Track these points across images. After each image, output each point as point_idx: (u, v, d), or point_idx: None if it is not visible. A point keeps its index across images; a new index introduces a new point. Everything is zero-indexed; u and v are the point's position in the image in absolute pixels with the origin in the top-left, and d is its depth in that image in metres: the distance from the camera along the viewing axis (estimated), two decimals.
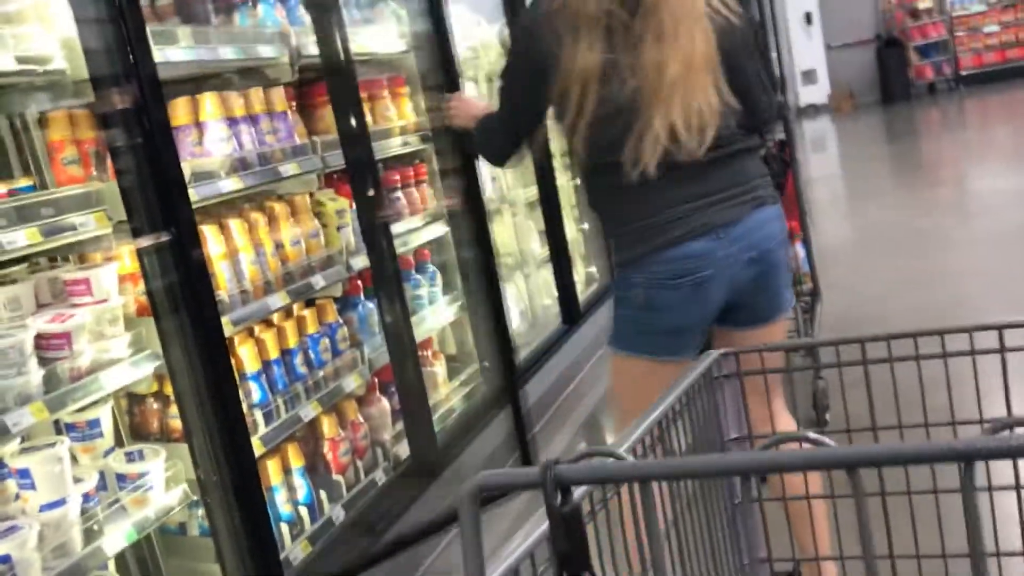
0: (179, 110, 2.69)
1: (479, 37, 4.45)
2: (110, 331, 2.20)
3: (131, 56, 2.11)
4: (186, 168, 2.59)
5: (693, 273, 2.07)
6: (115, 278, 2.24)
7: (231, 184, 2.61)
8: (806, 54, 16.71)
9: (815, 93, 16.92)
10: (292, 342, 2.85)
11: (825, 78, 16.97)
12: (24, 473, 1.99)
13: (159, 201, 2.16)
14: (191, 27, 2.59)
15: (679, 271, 2.07)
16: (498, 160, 2.53)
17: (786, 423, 2.23)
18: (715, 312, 2.16)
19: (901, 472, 1.26)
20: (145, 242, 2.17)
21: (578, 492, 0.81)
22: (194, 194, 2.41)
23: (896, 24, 16.61)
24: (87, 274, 2.17)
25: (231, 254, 2.67)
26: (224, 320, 2.42)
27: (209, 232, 2.61)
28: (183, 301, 2.22)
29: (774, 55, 13.17)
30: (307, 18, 3.06)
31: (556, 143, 4.98)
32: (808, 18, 16.78)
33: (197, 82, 2.81)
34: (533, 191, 4.63)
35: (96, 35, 2.11)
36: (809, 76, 16.91)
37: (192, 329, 2.22)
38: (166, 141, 2.19)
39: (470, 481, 0.81)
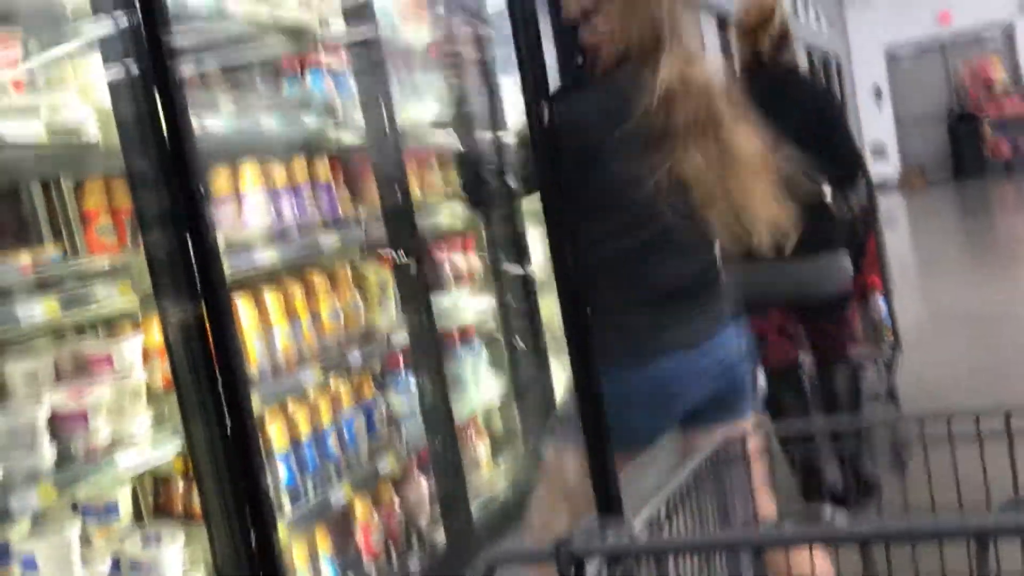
0: (219, 180, 2.64)
1: None
2: (131, 408, 2.12)
3: (164, 127, 2.05)
4: (222, 239, 2.54)
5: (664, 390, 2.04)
6: (139, 352, 2.16)
7: (268, 256, 2.54)
8: (875, 128, 16.45)
9: (885, 168, 16.63)
10: (325, 420, 2.74)
11: (895, 153, 16.67)
12: (29, 561, 1.89)
13: (186, 273, 2.08)
14: (234, 96, 2.55)
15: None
16: None
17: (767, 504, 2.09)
18: (675, 423, 2.13)
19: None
20: (172, 316, 2.09)
21: (592, 567, 0.84)
22: (228, 265, 2.34)
23: (970, 98, 16.26)
24: (109, 348, 2.09)
25: (264, 327, 2.58)
26: (253, 396, 2.32)
27: (242, 304, 2.53)
28: (207, 378, 2.12)
29: None
30: (355, 88, 3.02)
31: None
32: (878, 91, 16.57)
33: (240, 150, 2.76)
34: None
35: (129, 104, 2.06)
36: (879, 150, 16.63)
37: (215, 407, 2.11)
38: (197, 212, 2.11)
39: (484, 555, 0.84)
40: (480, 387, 3.52)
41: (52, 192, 2.33)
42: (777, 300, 3.23)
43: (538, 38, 1.73)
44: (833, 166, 3.07)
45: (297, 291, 2.75)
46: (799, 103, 3.16)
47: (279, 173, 2.74)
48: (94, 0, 2.03)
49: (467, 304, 3.48)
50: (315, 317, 2.75)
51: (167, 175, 2.06)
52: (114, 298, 2.05)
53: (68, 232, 2.34)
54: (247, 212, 2.65)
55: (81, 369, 2.15)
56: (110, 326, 2.34)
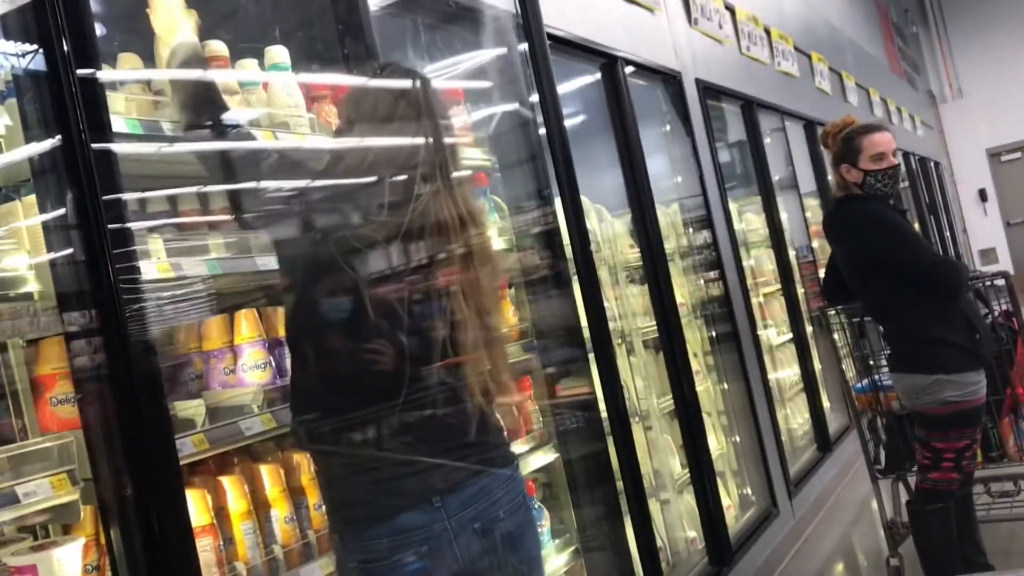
0: (212, 331, 2.24)
1: (601, 229, 3.93)
2: None
3: (104, 275, 1.65)
4: (212, 398, 2.12)
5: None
6: (77, 560, 1.70)
7: (263, 421, 2.08)
8: (983, 233, 15.54)
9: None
10: None
11: (1007, 257, 15.65)
12: None
13: (128, 457, 1.64)
14: (224, 235, 2.16)
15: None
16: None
17: None
18: None
19: None
20: (110, 514, 1.64)
21: None
22: (206, 439, 1.91)
23: None
24: (34, 559, 1.64)
25: (259, 509, 2.11)
26: None
27: (229, 483, 2.07)
28: None
29: (948, 234, 12.20)
30: None
31: (694, 335, 4.38)
32: (983, 195, 15.72)
33: (235, 296, 2.36)
34: (669, 400, 3.95)
35: (64, 249, 1.68)
36: (988, 256, 15.64)
37: None
38: (142, 377, 1.69)
39: None
40: (543, 556, 2.96)
41: None
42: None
43: None
44: (908, 284, 3.09)
45: (303, 462, 2.28)
46: (847, 231, 3.28)
47: (281, 320, 2.31)
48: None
49: (525, 459, 2.96)
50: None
51: (106, 328, 1.64)
52: (40, 494, 1.61)
53: (16, 405, 1.94)
54: (243, 368, 2.22)
55: None
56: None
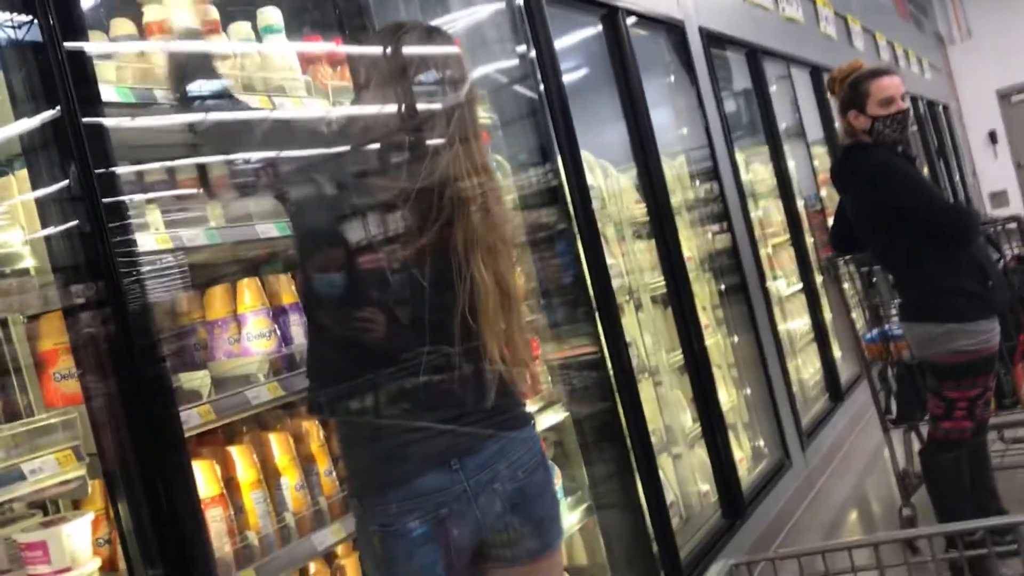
0: (215, 301, 2.22)
1: (606, 185, 3.89)
2: None
3: (100, 248, 1.63)
4: (218, 369, 2.11)
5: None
6: (86, 535, 1.70)
7: (271, 390, 2.07)
8: (993, 175, 15.39)
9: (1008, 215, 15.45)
10: None
11: (1017, 198, 15.52)
12: None
13: (132, 431, 1.63)
14: (223, 202, 2.13)
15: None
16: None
17: None
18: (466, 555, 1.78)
19: None
20: (116, 486, 1.64)
21: None
22: (212, 410, 1.90)
23: None
24: (43, 535, 1.64)
25: (269, 478, 2.11)
26: None
27: (238, 453, 2.06)
28: (172, 561, 1.65)
29: (958, 178, 12.06)
30: None
31: (702, 289, 4.35)
32: (992, 137, 15.54)
33: (236, 264, 2.34)
34: (679, 355, 3.93)
35: (59, 224, 1.65)
36: (999, 198, 15.51)
37: None
38: (143, 349, 1.67)
39: None
40: None
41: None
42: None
43: None
44: (919, 233, 3.05)
45: (313, 429, 2.28)
46: (855, 180, 3.21)
47: (286, 287, 2.30)
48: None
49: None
50: (336, 461, 2.27)
51: (103, 300, 1.63)
52: (47, 471, 1.60)
53: (20, 382, 1.93)
54: (247, 337, 2.20)
55: (17, 560, 1.71)
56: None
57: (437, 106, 1.76)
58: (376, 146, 1.80)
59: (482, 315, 1.75)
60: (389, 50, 1.78)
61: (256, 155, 1.87)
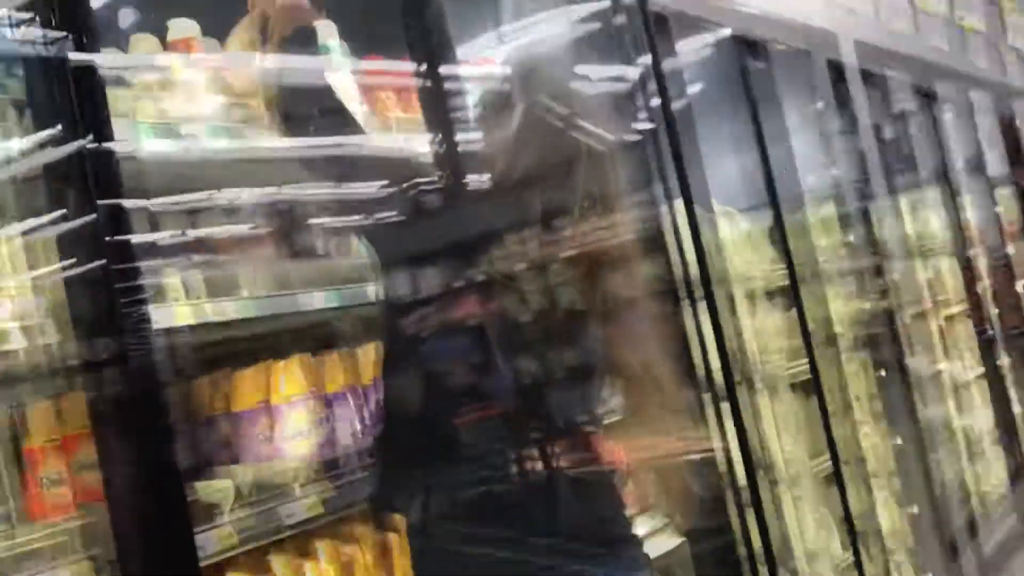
0: (245, 386, 2.22)
1: (729, 234, 3.80)
2: None
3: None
4: (245, 473, 2.10)
5: None
6: None
7: (304, 508, 2.04)
8: None
9: None
10: None
11: None
12: None
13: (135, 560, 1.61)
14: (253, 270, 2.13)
15: None
16: None
17: None
18: None
19: None
20: None
21: None
22: (233, 534, 1.87)
23: None
24: None
25: None
26: None
27: None
28: None
29: None
30: None
31: (855, 373, 4.23)
32: None
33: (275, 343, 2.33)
34: (825, 461, 3.81)
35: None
36: None
37: None
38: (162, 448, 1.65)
39: None
40: None
41: None
42: None
43: None
44: None
45: (367, 552, 2.24)
46: None
47: (333, 369, 2.28)
48: None
49: None
50: None
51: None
52: None
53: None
54: (282, 434, 2.18)
55: None
56: None
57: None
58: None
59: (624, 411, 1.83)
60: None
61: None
